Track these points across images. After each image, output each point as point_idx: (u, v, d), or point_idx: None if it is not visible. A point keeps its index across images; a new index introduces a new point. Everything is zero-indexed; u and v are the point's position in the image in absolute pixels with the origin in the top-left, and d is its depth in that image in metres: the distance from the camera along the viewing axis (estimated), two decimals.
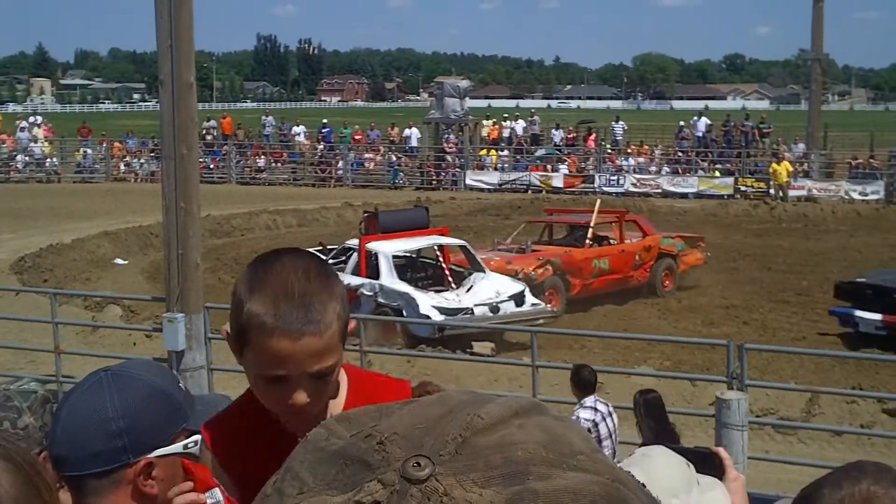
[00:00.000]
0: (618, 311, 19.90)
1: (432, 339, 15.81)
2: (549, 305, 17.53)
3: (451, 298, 16.99)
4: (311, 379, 1.91)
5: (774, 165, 35.82)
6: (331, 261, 18.02)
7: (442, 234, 18.65)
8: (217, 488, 1.94)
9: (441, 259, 17.99)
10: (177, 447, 2.07)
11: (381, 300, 16.91)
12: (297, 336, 1.85)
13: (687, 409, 12.21)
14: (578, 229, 21.25)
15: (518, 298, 17.22)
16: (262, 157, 42.90)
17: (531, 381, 10.39)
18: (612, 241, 21.16)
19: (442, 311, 16.51)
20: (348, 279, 17.29)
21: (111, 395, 2.04)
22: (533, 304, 17.41)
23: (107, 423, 2.01)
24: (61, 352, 12.16)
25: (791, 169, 35.80)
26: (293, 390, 1.91)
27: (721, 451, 2.27)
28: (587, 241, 20.45)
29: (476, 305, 16.77)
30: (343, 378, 2.09)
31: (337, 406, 2.04)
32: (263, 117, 48.30)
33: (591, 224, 20.77)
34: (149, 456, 2.02)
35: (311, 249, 2.83)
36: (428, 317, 16.15)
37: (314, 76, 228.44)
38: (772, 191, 35.35)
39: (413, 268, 18.77)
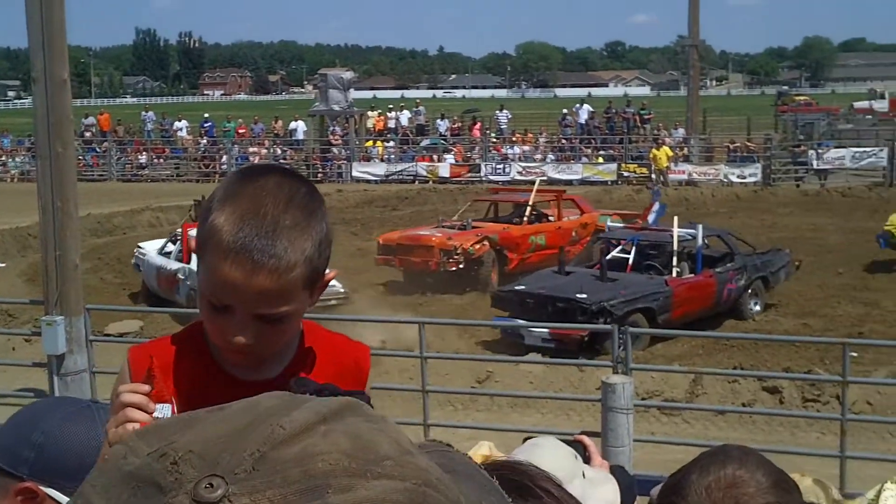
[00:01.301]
0: None
1: None
2: (342, 287, 17.74)
3: None
4: (257, 320, 1.69)
5: (654, 151, 36.42)
6: (169, 244, 19.16)
7: None
8: (170, 405, 1.76)
9: None
10: None
11: (188, 283, 17.21)
12: (251, 268, 1.64)
13: (574, 395, 12.41)
14: (521, 207, 22.17)
15: None
16: (144, 153, 42.16)
17: (420, 372, 10.40)
18: (551, 219, 22.06)
19: None
20: (172, 264, 18.31)
21: (64, 416, 1.98)
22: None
23: (33, 431, 1.95)
24: None
25: (671, 154, 36.47)
26: (234, 326, 1.70)
27: (584, 438, 2.31)
28: (525, 218, 21.46)
29: None
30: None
31: (287, 357, 1.83)
32: (143, 113, 47.46)
33: (530, 203, 21.78)
34: (42, 487, 1.91)
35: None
36: None
37: (196, 70, 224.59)
38: (653, 176, 35.98)
39: None
